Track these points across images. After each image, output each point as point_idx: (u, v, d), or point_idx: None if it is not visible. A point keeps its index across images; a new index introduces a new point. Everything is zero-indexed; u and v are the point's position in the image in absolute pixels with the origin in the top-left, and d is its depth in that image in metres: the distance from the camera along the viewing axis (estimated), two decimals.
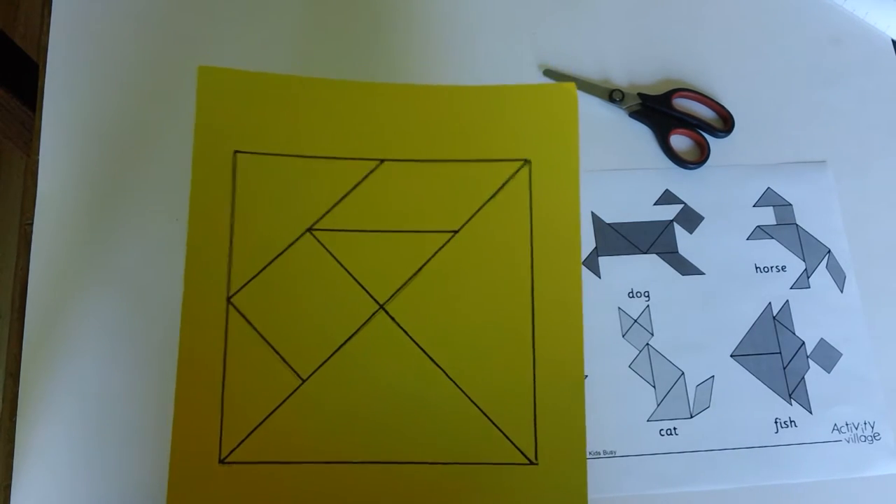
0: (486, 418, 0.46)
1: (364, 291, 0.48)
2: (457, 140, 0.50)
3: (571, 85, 0.51)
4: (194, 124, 0.48)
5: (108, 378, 0.46)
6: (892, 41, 0.58)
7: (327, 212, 0.48)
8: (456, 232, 0.49)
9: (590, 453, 0.47)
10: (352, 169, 0.49)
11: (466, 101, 0.51)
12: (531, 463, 0.45)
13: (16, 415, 0.45)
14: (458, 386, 0.46)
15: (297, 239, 0.48)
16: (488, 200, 0.49)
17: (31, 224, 0.49)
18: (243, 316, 0.46)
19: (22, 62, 0.65)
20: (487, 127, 0.50)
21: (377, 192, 0.49)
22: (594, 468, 0.46)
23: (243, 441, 0.45)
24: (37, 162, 0.50)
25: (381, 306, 0.47)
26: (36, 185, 0.49)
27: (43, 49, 0.53)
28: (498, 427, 0.46)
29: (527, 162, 0.50)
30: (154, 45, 0.54)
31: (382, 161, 0.49)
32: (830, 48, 0.58)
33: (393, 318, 0.47)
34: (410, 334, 0.47)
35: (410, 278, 0.48)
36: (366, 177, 0.49)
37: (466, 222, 0.49)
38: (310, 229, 0.48)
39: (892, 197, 0.54)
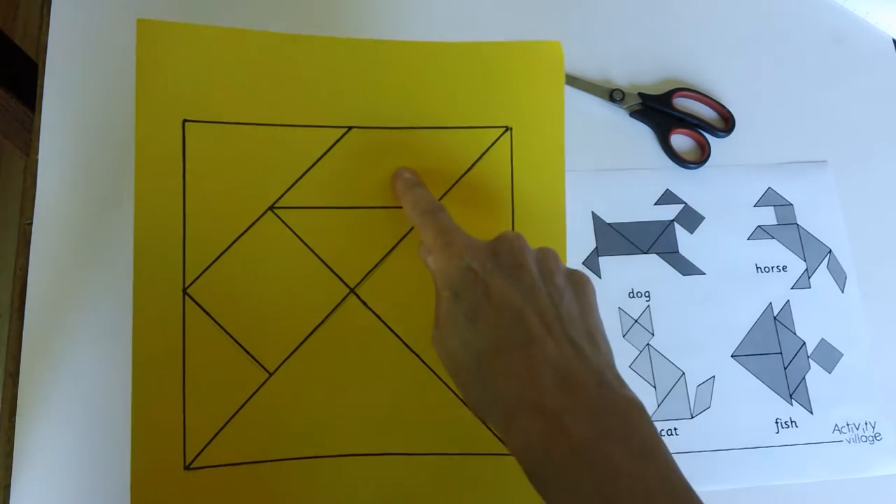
0: (465, 406, 0.43)
1: (333, 274, 0.43)
2: (431, 104, 0.45)
3: (557, 42, 0.45)
4: (135, 90, 0.42)
5: (108, 378, 0.46)
6: (893, 41, 0.58)
7: (290, 187, 0.43)
8: None
9: None
10: (317, 138, 0.44)
11: (441, 60, 0.45)
12: None
13: (15, 415, 0.45)
14: (435, 374, 0.44)
15: (257, 219, 0.43)
16: (466, 172, 0.45)
17: (31, 224, 0.48)
18: (201, 308, 0.42)
19: (22, 62, 0.65)
20: (465, 89, 0.45)
21: (345, 164, 0.44)
22: None
23: (209, 443, 0.41)
24: (36, 162, 0.50)
25: (352, 290, 0.44)
26: (36, 185, 0.49)
27: (43, 49, 0.52)
28: None
29: (508, 129, 0.45)
30: None
31: (350, 128, 0.44)
32: (831, 48, 0.58)
33: (365, 303, 0.44)
34: (384, 319, 0.44)
35: (383, 259, 0.44)
36: (332, 146, 0.44)
37: (443, 196, 0.44)
38: (271, 207, 0.43)
39: (892, 197, 0.54)
